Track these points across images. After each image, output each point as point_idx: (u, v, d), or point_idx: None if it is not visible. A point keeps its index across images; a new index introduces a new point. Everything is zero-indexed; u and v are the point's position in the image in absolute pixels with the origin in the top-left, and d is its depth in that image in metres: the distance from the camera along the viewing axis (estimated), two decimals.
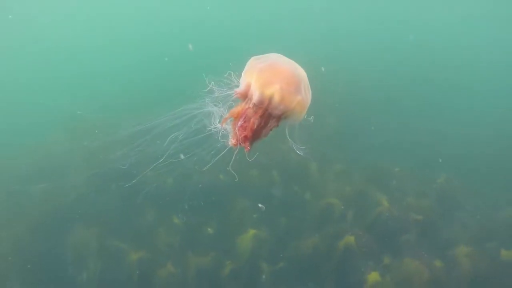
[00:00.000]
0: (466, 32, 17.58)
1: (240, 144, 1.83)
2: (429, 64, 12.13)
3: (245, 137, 1.80)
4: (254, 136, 1.82)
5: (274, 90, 1.68)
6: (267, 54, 1.93)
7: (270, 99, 1.69)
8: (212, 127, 1.94)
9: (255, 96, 1.72)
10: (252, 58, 1.89)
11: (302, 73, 1.86)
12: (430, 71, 11.48)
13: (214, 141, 2.04)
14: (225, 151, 2.00)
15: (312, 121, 1.97)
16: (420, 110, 9.25)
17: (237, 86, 1.88)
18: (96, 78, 11.87)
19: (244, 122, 1.78)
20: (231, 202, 5.80)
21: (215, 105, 1.94)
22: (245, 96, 1.82)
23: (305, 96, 1.80)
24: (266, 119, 1.81)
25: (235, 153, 2.03)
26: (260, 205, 5.19)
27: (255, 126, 1.80)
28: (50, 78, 11.80)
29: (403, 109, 9.13)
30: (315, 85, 1.98)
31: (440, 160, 6.85)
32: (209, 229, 5.39)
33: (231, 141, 1.85)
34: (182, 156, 2.27)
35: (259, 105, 1.74)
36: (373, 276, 4.62)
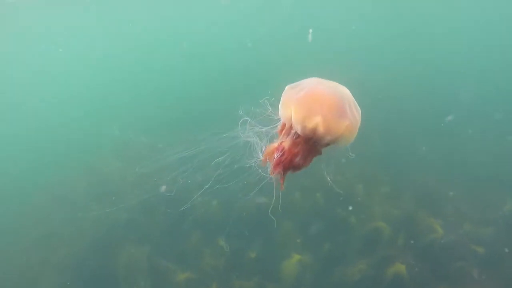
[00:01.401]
0: None
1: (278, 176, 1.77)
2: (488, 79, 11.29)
3: (281, 171, 1.74)
4: (294, 168, 1.76)
5: (317, 122, 1.54)
6: (303, 80, 1.81)
7: (314, 131, 1.57)
8: (253, 158, 1.90)
9: (298, 130, 1.63)
10: (288, 87, 1.78)
11: (345, 92, 1.71)
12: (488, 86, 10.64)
13: (256, 169, 2.06)
14: (267, 177, 1.99)
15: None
16: (482, 129, 8.48)
17: (278, 118, 1.83)
18: (140, 101, 12.37)
19: (282, 155, 1.71)
20: (274, 226, 5.78)
21: (257, 135, 1.92)
22: (286, 128, 1.74)
23: (353, 117, 1.64)
24: (311, 150, 1.72)
25: (276, 178, 2.03)
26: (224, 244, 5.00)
27: (296, 160, 1.73)
28: (95, 102, 12.44)
29: (461, 127, 8.47)
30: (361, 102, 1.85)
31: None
32: (251, 254, 5.39)
33: (270, 173, 1.79)
34: (226, 183, 2.30)
35: (303, 137, 1.65)
36: None
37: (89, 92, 13.52)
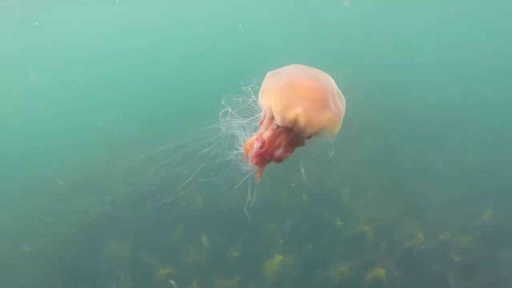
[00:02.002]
0: None
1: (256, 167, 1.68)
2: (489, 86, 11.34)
3: (260, 163, 1.65)
4: (275, 160, 1.66)
5: (298, 113, 1.45)
6: (285, 67, 1.71)
7: (295, 122, 1.48)
8: (235, 151, 1.81)
9: (277, 121, 1.54)
10: (269, 74, 1.68)
11: (328, 82, 1.62)
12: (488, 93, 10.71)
13: (240, 163, 2.02)
14: (252, 173, 1.90)
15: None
16: (472, 136, 8.57)
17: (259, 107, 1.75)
18: (129, 96, 12.26)
19: (262, 147, 1.61)
20: (258, 225, 5.80)
21: (239, 126, 1.85)
22: (267, 119, 1.65)
23: (336, 109, 1.55)
24: (293, 141, 1.63)
25: (257, 175, 2.00)
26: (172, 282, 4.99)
27: (276, 152, 1.64)
28: (84, 95, 12.36)
29: (451, 133, 8.58)
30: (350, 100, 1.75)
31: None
32: (234, 253, 5.39)
33: (250, 164, 1.69)
34: (210, 176, 2.25)
35: (284, 128, 1.57)
36: None
37: (74, 86, 13.44)
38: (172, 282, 4.77)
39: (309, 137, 1.62)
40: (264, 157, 1.65)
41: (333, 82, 1.65)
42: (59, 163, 7.55)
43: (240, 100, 1.89)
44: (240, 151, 1.87)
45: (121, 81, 14.16)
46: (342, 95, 1.65)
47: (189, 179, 2.33)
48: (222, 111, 1.88)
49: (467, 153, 7.62)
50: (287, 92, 1.52)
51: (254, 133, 1.85)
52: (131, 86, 13.07)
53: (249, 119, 1.91)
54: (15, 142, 9.20)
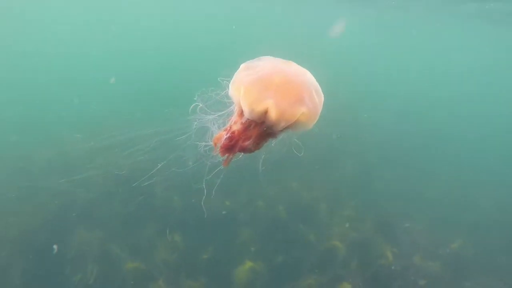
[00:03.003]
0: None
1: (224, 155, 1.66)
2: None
3: (227, 153, 1.64)
4: (243, 151, 1.66)
5: (267, 106, 1.43)
6: (260, 60, 1.66)
7: (264, 116, 1.46)
8: (206, 142, 1.79)
9: (245, 114, 1.51)
10: (242, 66, 1.64)
11: (305, 77, 1.57)
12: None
13: (208, 154, 2.03)
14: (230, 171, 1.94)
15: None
16: (451, 165, 8.79)
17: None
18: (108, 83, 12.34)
19: (230, 139, 1.60)
20: (232, 230, 5.80)
21: (211, 118, 1.84)
22: (237, 111, 1.64)
23: (312, 104, 1.50)
24: (264, 134, 1.60)
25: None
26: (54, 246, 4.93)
27: (245, 143, 1.62)
28: (66, 78, 12.45)
29: (431, 159, 8.76)
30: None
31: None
32: (204, 255, 5.35)
33: (219, 155, 1.67)
34: (181, 167, 2.21)
35: (254, 121, 1.53)
36: None
37: (55, 68, 13.57)
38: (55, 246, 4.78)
39: (282, 130, 1.57)
40: (232, 149, 1.64)
41: (311, 77, 1.61)
42: (36, 140, 7.50)
43: (214, 94, 1.87)
44: (209, 144, 1.85)
45: (104, 66, 14.31)
46: (320, 91, 1.60)
47: (159, 166, 2.29)
48: (195, 104, 1.86)
49: (447, 184, 7.81)
50: (257, 85, 1.48)
51: (225, 126, 1.83)
52: (114, 72, 13.20)
53: (222, 112, 1.90)
54: None
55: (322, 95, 1.61)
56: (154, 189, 5.82)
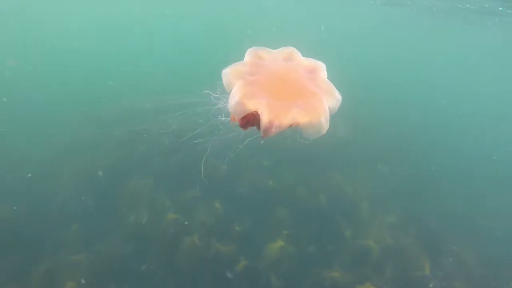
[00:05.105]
0: None
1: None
2: None
3: (244, 126, 1.58)
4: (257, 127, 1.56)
5: (258, 107, 1.38)
6: (269, 52, 1.62)
7: (257, 115, 1.40)
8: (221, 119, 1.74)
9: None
10: (250, 51, 1.62)
11: (316, 77, 1.53)
12: None
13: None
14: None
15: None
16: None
17: None
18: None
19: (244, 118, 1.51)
20: (271, 209, 5.95)
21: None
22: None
23: (318, 106, 1.44)
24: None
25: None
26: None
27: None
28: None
29: (497, 183, 7.91)
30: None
31: None
32: (237, 227, 5.58)
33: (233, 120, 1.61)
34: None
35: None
36: None
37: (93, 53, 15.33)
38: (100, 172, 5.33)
39: (287, 128, 1.48)
40: (248, 125, 1.58)
41: (323, 75, 1.55)
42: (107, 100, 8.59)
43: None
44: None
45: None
46: (331, 90, 1.54)
47: (200, 129, 2.31)
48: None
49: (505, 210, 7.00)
50: (251, 86, 1.44)
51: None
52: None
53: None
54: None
55: (335, 94, 1.54)
56: (205, 155, 6.21)
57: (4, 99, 9.13)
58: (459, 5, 10.93)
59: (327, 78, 1.64)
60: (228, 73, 1.54)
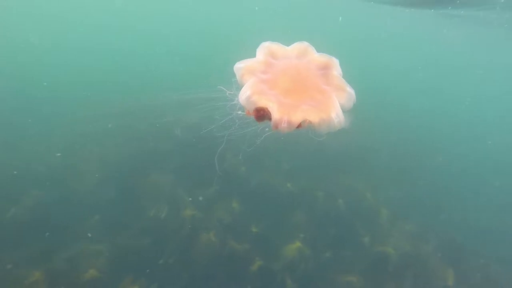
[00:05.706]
0: None
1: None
2: None
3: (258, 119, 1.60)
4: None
5: (268, 104, 1.40)
6: (283, 49, 1.61)
7: (264, 112, 1.43)
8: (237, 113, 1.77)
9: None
10: (263, 46, 1.62)
11: (329, 75, 1.53)
12: None
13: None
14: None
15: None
16: None
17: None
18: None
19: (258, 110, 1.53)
20: (288, 212, 5.92)
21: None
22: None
23: (331, 107, 1.44)
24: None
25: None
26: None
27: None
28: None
29: None
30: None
31: None
32: (254, 229, 5.56)
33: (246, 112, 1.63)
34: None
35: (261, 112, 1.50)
36: None
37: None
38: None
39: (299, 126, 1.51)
40: (261, 118, 1.61)
41: (336, 71, 1.55)
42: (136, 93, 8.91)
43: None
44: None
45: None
46: (347, 86, 1.54)
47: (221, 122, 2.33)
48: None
49: None
50: (263, 84, 1.46)
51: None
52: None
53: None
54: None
55: (347, 89, 1.54)
56: (226, 154, 6.28)
57: (45, 83, 9.56)
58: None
59: (343, 74, 1.64)
60: (241, 69, 1.57)
